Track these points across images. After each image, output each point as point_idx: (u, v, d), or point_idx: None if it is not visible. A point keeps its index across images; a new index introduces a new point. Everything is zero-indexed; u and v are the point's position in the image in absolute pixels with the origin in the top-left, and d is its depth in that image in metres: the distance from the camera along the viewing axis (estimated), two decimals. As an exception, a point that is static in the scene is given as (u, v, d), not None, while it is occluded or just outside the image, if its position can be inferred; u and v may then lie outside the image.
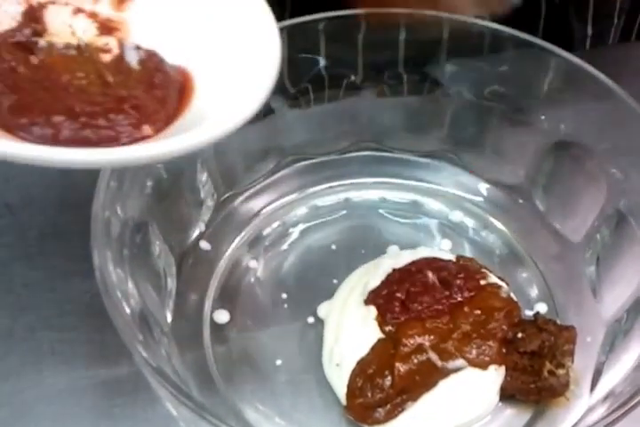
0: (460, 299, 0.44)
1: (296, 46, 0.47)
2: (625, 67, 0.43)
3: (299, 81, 0.50)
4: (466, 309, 0.44)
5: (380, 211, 0.52)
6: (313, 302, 0.46)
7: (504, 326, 0.43)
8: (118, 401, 0.43)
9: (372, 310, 0.44)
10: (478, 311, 0.44)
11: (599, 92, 0.43)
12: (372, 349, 0.43)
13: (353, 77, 0.50)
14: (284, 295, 0.48)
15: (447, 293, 0.44)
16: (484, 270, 0.46)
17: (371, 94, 0.50)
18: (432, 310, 0.43)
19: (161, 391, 0.35)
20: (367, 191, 0.53)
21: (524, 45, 0.45)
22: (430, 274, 0.45)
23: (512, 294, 0.46)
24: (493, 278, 0.46)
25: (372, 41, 0.48)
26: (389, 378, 0.41)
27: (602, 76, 0.43)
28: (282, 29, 0.45)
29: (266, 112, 0.49)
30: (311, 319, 0.46)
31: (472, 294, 0.44)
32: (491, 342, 0.43)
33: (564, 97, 0.46)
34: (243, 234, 0.50)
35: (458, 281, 0.45)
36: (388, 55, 0.49)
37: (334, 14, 0.46)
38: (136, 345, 0.34)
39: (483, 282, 0.45)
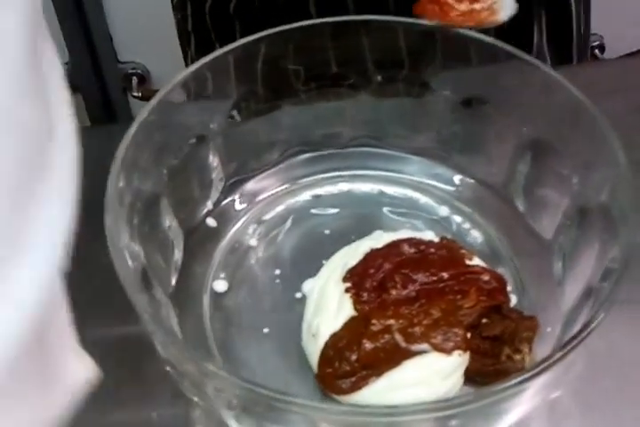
0: (435, 278, 0.46)
1: (302, 49, 0.51)
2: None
3: (304, 80, 0.54)
4: (443, 291, 0.45)
5: (375, 203, 0.56)
6: (302, 280, 0.51)
7: (474, 313, 0.45)
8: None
9: (348, 288, 0.47)
10: (452, 296, 0.45)
11: (570, 102, 0.47)
12: (346, 325, 0.46)
13: (352, 79, 0.54)
14: (278, 271, 0.52)
15: (426, 272, 0.46)
16: (466, 251, 0.48)
17: (368, 95, 0.54)
18: (406, 290, 0.46)
19: (156, 336, 0.39)
20: (364, 184, 0.57)
21: (508, 56, 0.49)
22: (406, 247, 0.47)
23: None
24: (478, 260, 0.48)
25: (373, 46, 0.52)
26: (356, 353, 0.44)
27: (573, 89, 0.46)
28: (289, 31, 0.50)
29: (273, 108, 0.54)
30: (299, 294, 0.50)
31: (453, 272, 0.46)
32: (457, 330, 0.44)
33: (540, 105, 0.50)
34: (247, 216, 0.55)
35: (436, 257, 0.47)
36: (387, 59, 0.53)
37: (339, 19, 0.51)
38: (137, 294, 0.39)
39: (468, 262, 0.47)
